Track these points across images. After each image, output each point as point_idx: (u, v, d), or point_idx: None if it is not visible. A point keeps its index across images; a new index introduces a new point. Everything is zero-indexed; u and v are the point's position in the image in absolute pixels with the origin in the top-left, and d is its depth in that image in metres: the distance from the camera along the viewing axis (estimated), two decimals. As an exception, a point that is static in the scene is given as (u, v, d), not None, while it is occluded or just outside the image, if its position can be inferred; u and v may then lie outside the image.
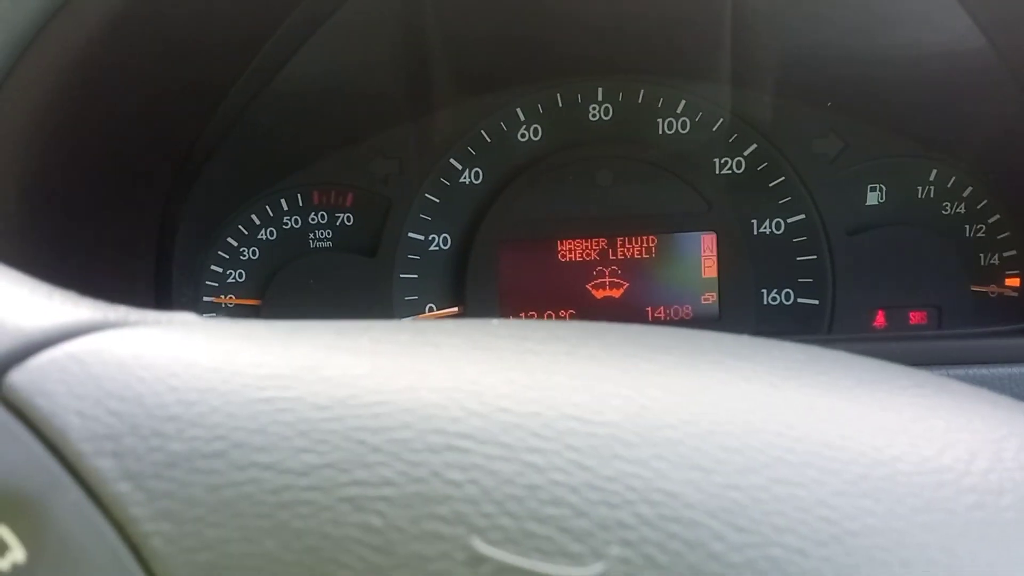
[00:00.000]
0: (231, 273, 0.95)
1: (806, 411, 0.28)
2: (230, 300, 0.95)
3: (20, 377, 0.26)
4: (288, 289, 0.95)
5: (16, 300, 0.29)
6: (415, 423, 0.26)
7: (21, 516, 0.24)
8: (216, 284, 0.95)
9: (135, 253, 0.84)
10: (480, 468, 0.25)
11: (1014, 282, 0.96)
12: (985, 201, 0.96)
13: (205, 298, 0.94)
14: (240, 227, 0.95)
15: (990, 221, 0.96)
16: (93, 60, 0.61)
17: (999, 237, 0.96)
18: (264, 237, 0.95)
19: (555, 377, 0.28)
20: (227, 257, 0.95)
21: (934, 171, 0.96)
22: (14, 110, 0.59)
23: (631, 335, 0.35)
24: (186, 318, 0.32)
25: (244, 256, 0.95)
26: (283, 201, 0.95)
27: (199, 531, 0.24)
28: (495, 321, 0.35)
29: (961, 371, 0.77)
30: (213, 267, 0.95)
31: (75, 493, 0.24)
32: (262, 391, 0.26)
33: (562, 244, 0.96)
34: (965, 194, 0.96)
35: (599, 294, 0.96)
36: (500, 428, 0.26)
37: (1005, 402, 0.32)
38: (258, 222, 0.95)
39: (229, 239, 0.95)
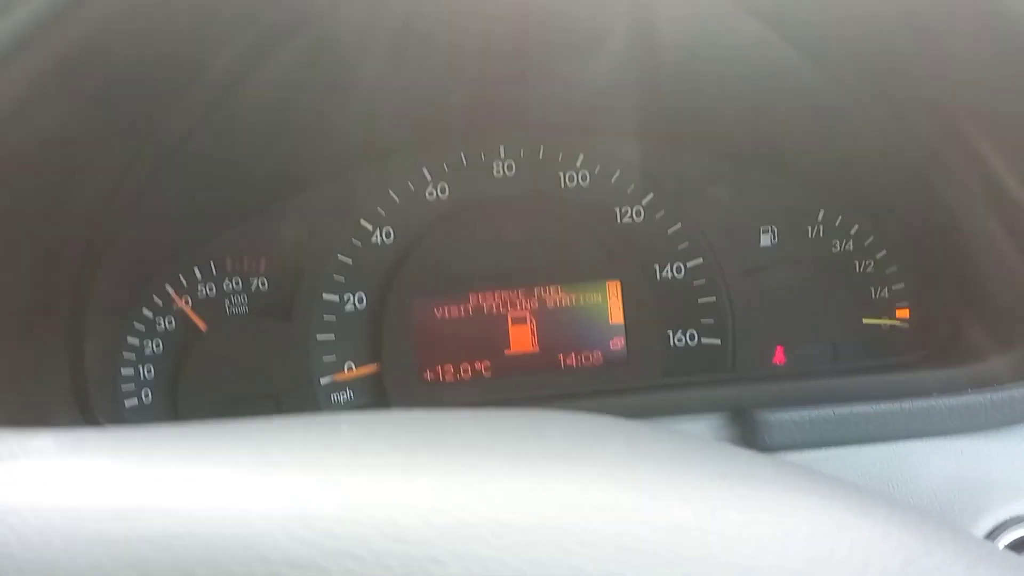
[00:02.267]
0: (147, 343, 0.96)
1: (610, 512, 0.31)
2: (187, 310, 0.96)
3: None
4: (207, 357, 0.96)
5: None
6: (243, 555, 0.28)
7: None
8: (134, 356, 0.96)
9: (46, 334, 0.85)
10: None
11: (904, 313, 1.02)
12: (872, 238, 1.01)
13: (123, 370, 0.95)
14: (155, 297, 0.96)
15: (878, 256, 1.01)
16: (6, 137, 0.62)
17: (887, 271, 1.01)
18: (178, 308, 0.97)
19: (379, 495, 0.30)
20: (143, 329, 0.96)
21: (822, 211, 1.01)
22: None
23: (466, 430, 0.38)
24: (42, 444, 0.33)
25: (160, 326, 0.96)
26: (197, 270, 0.97)
27: None
28: (344, 424, 0.37)
29: (859, 408, 0.82)
30: (130, 338, 0.95)
31: None
32: (101, 531, 0.29)
33: (473, 298, 0.99)
34: (852, 232, 1.01)
35: (512, 345, 0.99)
36: (322, 554, 0.28)
37: (809, 485, 0.35)
38: (172, 292, 0.96)
39: (145, 310, 0.96)
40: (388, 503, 0.29)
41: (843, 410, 0.81)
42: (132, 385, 0.95)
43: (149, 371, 0.96)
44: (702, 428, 0.87)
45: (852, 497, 0.33)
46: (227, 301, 0.98)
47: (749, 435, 0.82)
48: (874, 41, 0.78)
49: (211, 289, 0.97)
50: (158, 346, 0.96)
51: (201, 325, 0.96)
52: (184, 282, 0.97)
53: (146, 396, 0.96)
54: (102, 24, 0.50)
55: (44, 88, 0.60)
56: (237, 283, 0.98)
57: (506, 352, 0.99)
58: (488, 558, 0.28)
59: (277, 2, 0.67)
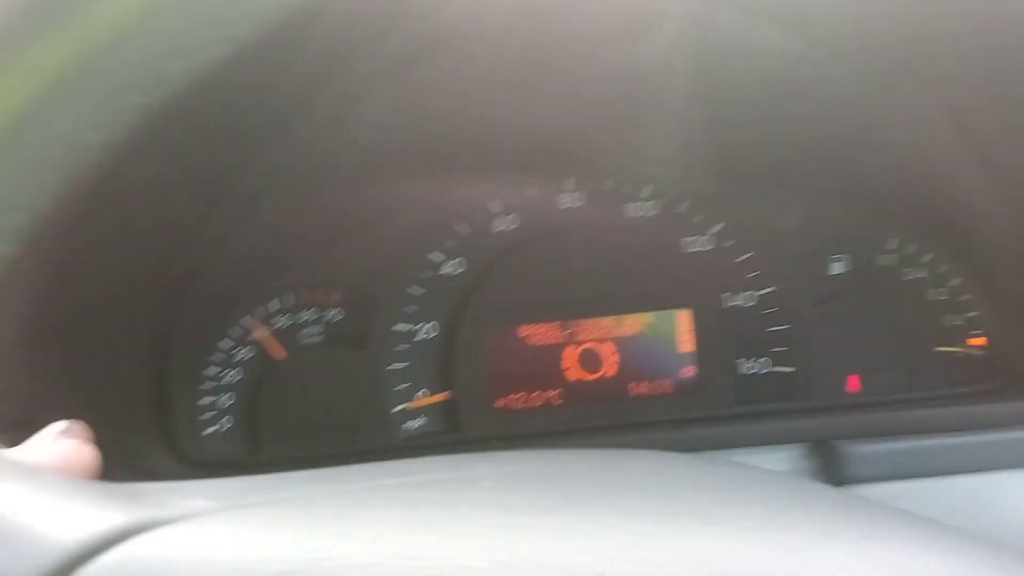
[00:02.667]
0: (227, 374, 0.98)
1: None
2: (265, 334, 0.98)
3: None
4: (283, 386, 0.98)
5: (51, 509, 0.32)
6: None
7: None
8: (213, 385, 0.98)
9: (133, 370, 0.87)
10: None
11: (979, 341, 1.01)
12: (946, 266, 1.01)
13: (202, 400, 0.98)
14: (232, 331, 0.98)
15: (951, 284, 1.01)
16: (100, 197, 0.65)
17: (961, 299, 1.00)
18: (259, 335, 0.99)
19: (539, 556, 0.31)
20: (222, 359, 0.98)
21: (894, 240, 1.01)
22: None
23: (604, 481, 0.38)
24: (204, 504, 0.35)
25: (239, 356, 0.99)
26: (277, 301, 0.99)
27: None
28: (485, 479, 0.38)
29: (942, 440, 0.81)
30: (209, 370, 0.98)
31: None
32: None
33: (543, 327, 1.00)
34: (925, 260, 1.01)
35: (583, 375, 1.00)
36: None
37: (949, 541, 0.35)
38: (252, 321, 0.99)
39: (223, 342, 0.98)
40: (549, 564, 0.30)
41: (925, 442, 0.81)
42: (211, 413, 0.98)
43: (229, 399, 0.98)
44: (779, 460, 0.87)
45: (992, 554, 0.33)
46: (302, 332, 1.00)
47: (830, 467, 0.82)
48: (941, 63, 0.78)
49: (287, 320, 1.00)
50: (237, 374, 0.98)
51: (281, 352, 0.98)
52: (261, 314, 0.99)
53: (225, 423, 0.98)
54: (213, 90, 0.52)
55: (142, 151, 0.63)
56: (312, 315, 1.00)
57: (576, 380, 1.00)
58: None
59: (378, 44, 0.69)
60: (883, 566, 0.32)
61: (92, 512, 0.32)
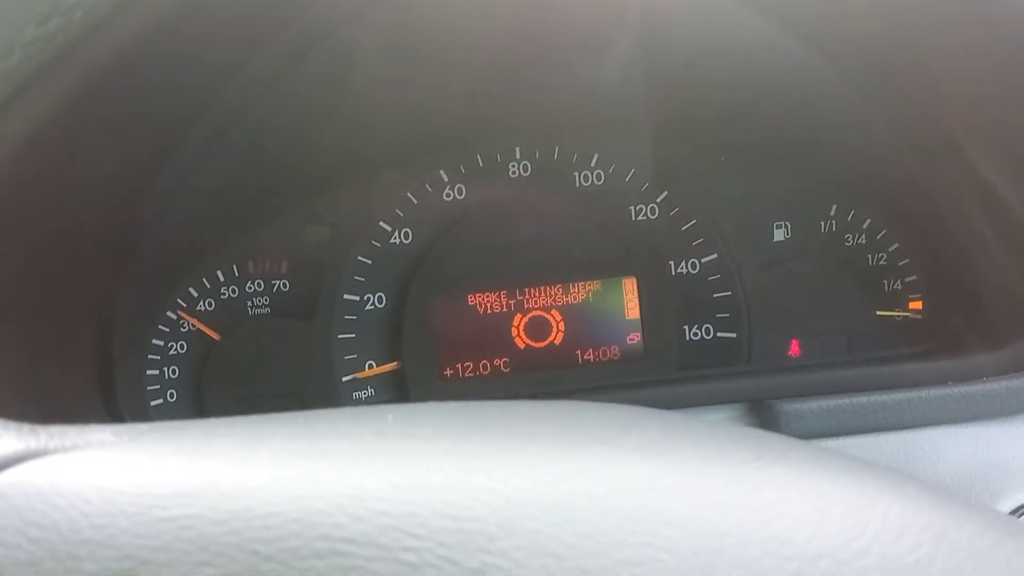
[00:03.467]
0: (172, 345, 0.98)
1: (653, 492, 0.32)
2: (196, 322, 0.97)
3: None
4: (230, 357, 0.98)
5: None
6: (303, 531, 0.30)
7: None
8: (158, 357, 0.97)
9: (75, 335, 0.87)
10: (360, 569, 0.29)
11: (917, 305, 1.03)
12: (884, 231, 1.03)
13: (149, 371, 0.97)
14: (179, 300, 0.98)
15: (890, 249, 1.03)
16: (35, 153, 0.64)
17: (900, 264, 1.03)
18: (203, 308, 0.98)
19: (432, 475, 0.32)
20: (167, 331, 0.98)
21: (834, 206, 1.02)
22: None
23: (507, 418, 0.39)
24: (102, 436, 0.35)
25: (184, 328, 0.98)
26: (219, 273, 0.98)
27: None
28: (389, 414, 0.39)
29: (876, 397, 0.83)
30: (155, 341, 0.97)
31: None
32: (166, 510, 0.30)
33: (491, 296, 1.00)
34: (865, 225, 1.03)
35: (531, 342, 1.01)
36: (378, 530, 0.30)
37: (841, 465, 0.37)
38: (196, 295, 0.98)
39: (168, 313, 0.97)
40: (440, 484, 0.31)
41: (860, 399, 0.82)
42: (158, 385, 0.97)
43: (174, 371, 0.98)
44: (720, 419, 0.88)
45: (884, 476, 0.35)
46: (250, 302, 1.00)
47: (767, 425, 0.84)
48: (881, 34, 0.79)
49: (234, 291, 0.99)
50: (182, 347, 0.98)
51: (214, 335, 0.98)
52: (207, 284, 0.98)
53: (171, 396, 0.98)
54: (136, 34, 0.51)
55: (75, 98, 0.62)
56: (259, 285, 1.00)
57: (524, 348, 1.01)
58: (537, 532, 0.30)
59: (304, 12, 0.69)
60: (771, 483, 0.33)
61: None
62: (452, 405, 0.40)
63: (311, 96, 0.86)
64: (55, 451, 0.33)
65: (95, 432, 0.35)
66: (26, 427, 0.34)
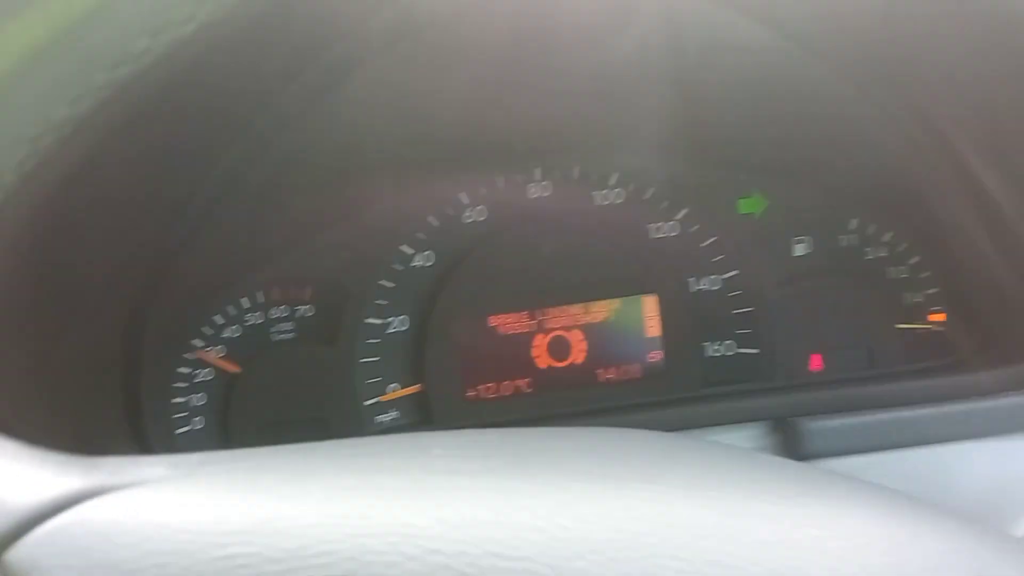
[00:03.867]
0: (198, 373, 0.99)
1: (698, 530, 0.33)
2: (215, 360, 0.98)
3: (17, 554, 0.30)
4: (255, 384, 0.98)
5: (5, 474, 0.33)
6: (357, 570, 0.30)
7: None
8: (185, 385, 0.98)
9: (103, 364, 0.88)
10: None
11: (939, 318, 1.03)
12: (905, 244, 1.03)
13: (175, 399, 0.98)
14: (205, 329, 0.99)
15: (911, 262, 1.03)
16: (77, 185, 0.65)
17: (921, 277, 1.03)
18: (229, 335, 0.99)
19: (480, 513, 0.33)
20: (194, 358, 0.99)
21: (854, 220, 1.03)
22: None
23: (552, 450, 0.40)
24: (159, 471, 0.36)
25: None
26: (245, 300, 1.00)
27: None
28: (436, 447, 0.39)
29: (898, 414, 0.83)
30: (181, 369, 0.98)
31: None
32: (224, 548, 0.31)
33: (513, 316, 1.01)
34: (885, 239, 1.03)
35: (553, 362, 1.01)
36: (430, 569, 0.30)
37: (880, 499, 0.37)
38: (222, 322, 0.99)
39: (195, 341, 0.99)
40: (490, 521, 0.31)
41: (883, 416, 0.83)
42: (185, 412, 0.98)
43: (201, 399, 0.99)
44: (743, 438, 0.88)
45: (923, 511, 0.35)
46: (274, 328, 1.01)
47: (791, 443, 0.84)
48: (896, 46, 0.80)
49: (259, 318, 1.00)
50: (209, 374, 0.99)
51: (235, 368, 0.99)
52: (233, 312, 0.99)
53: (198, 423, 0.99)
54: (183, 72, 0.53)
55: (116, 135, 0.63)
56: (284, 311, 1.01)
57: (545, 368, 1.01)
58: (585, 571, 0.30)
59: (329, 46, 0.70)
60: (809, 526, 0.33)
61: (46, 477, 0.33)
62: (494, 435, 0.41)
63: (331, 125, 0.88)
64: (114, 488, 0.33)
65: (151, 466, 0.36)
66: (85, 462, 0.35)
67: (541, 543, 0.31)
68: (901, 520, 0.35)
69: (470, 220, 1.03)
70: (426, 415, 1.01)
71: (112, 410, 0.92)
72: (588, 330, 1.01)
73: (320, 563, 0.30)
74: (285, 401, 0.99)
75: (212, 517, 0.32)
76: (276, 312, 1.01)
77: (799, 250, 1.04)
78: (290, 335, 1.01)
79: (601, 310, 1.01)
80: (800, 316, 1.02)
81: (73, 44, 0.34)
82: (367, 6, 0.72)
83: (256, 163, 0.86)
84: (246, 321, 1.00)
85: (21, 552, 0.30)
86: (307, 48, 0.71)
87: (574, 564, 0.30)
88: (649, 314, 1.01)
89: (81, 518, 0.32)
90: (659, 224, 1.03)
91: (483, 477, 0.35)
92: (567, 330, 1.01)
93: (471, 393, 1.01)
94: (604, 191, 1.04)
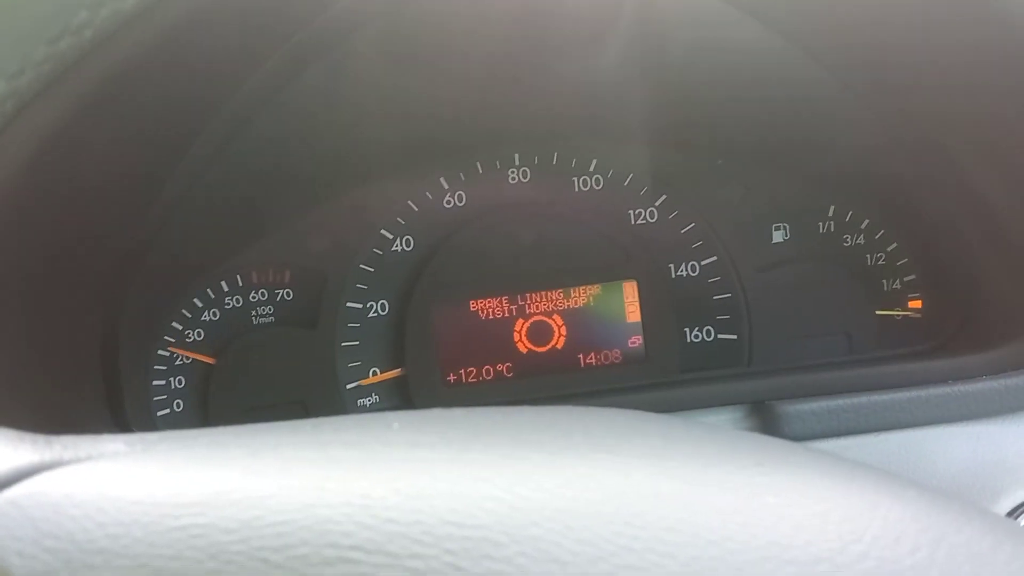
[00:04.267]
0: (178, 356, 0.98)
1: (653, 499, 0.33)
2: (189, 352, 0.98)
3: None
4: (235, 366, 0.98)
5: None
6: (312, 539, 0.30)
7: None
8: (165, 367, 0.98)
9: (82, 346, 0.87)
10: (368, 576, 0.30)
11: (916, 304, 1.03)
12: (882, 231, 1.03)
13: (155, 381, 0.98)
14: (184, 312, 0.98)
15: (888, 249, 1.03)
16: (42, 166, 0.65)
17: (899, 263, 1.03)
18: (208, 318, 0.99)
19: (438, 484, 0.33)
20: (173, 340, 0.98)
21: (832, 207, 1.03)
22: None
23: (510, 425, 0.40)
24: (115, 447, 0.36)
25: (190, 339, 0.99)
26: (224, 283, 0.99)
27: None
28: (395, 422, 0.39)
29: (875, 397, 0.84)
30: (160, 352, 0.98)
31: None
32: (177, 519, 0.31)
33: (493, 301, 1.01)
34: (863, 226, 1.03)
35: (533, 347, 1.01)
36: (386, 538, 0.30)
37: (840, 470, 0.37)
38: (201, 305, 0.99)
39: (174, 324, 0.98)
40: (446, 492, 0.31)
41: (860, 399, 0.83)
42: (164, 395, 0.98)
43: (180, 381, 0.99)
44: (721, 421, 0.89)
45: (882, 480, 0.35)
46: (253, 312, 1.00)
47: (769, 426, 0.84)
48: (870, 33, 0.80)
49: (238, 301, 1.00)
50: (187, 357, 0.99)
51: (209, 360, 0.98)
52: (212, 295, 0.99)
53: (178, 406, 0.99)
54: (141, 50, 0.52)
55: (80, 113, 0.62)
56: (263, 294, 1.00)
57: (526, 353, 1.02)
58: (540, 539, 0.30)
59: (302, 25, 0.70)
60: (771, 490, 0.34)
61: (4, 447, 0.33)
62: (456, 412, 0.41)
63: (311, 106, 0.87)
64: (69, 462, 0.33)
65: (107, 443, 0.36)
66: (40, 438, 0.35)
67: (498, 512, 0.31)
68: (862, 488, 0.35)
69: (450, 206, 1.03)
70: (407, 399, 1.01)
71: (92, 393, 0.91)
72: (568, 315, 1.02)
73: (275, 532, 0.30)
74: (265, 384, 0.99)
75: (166, 490, 0.32)
76: (255, 295, 1.01)
77: (778, 237, 1.04)
78: (270, 319, 1.01)
79: (581, 295, 1.02)
80: (779, 302, 1.02)
81: (8, 15, 0.33)
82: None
83: (232, 145, 0.85)
84: (225, 304, 1.00)
85: None
86: (276, 28, 0.70)
87: (530, 531, 0.31)
88: (629, 300, 1.01)
89: (32, 490, 0.31)
90: (639, 210, 1.04)
91: (441, 449, 0.35)
92: (548, 315, 1.02)
93: (452, 377, 1.01)
94: (583, 177, 1.04)
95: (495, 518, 0.31)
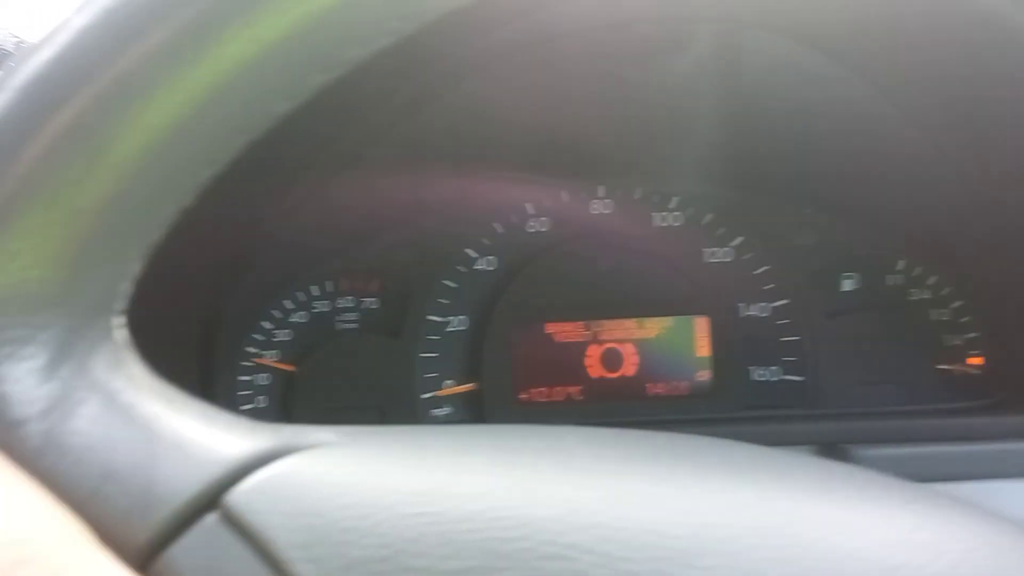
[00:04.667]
0: (265, 354, 1.03)
1: (827, 527, 0.36)
2: (270, 362, 1.02)
3: (236, 497, 0.34)
4: (319, 369, 1.03)
5: (220, 429, 0.37)
6: (532, 535, 0.34)
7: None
8: (251, 364, 1.03)
9: (180, 343, 0.92)
10: (583, 573, 0.34)
11: (977, 360, 1.07)
12: (949, 288, 1.07)
13: (240, 377, 1.02)
14: (274, 312, 1.03)
15: (952, 306, 1.07)
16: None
17: (961, 320, 1.07)
18: (296, 320, 1.04)
19: (633, 496, 0.37)
20: (262, 339, 1.03)
21: (902, 261, 1.07)
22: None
23: (682, 450, 0.44)
24: (328, 437, 0.40)
25: (277, 338, 1.03)
26: (315, 288, 1.04)
27: None
28: (569, 433, 0.43)
29: (927, 449, 0.87)
30: (248, 348, 1.03)
31: None
32: (412, 506, 0.35)
33: (568, 326, 1.05)
34: (930, 282, 1.07)
35: (604, 373, 1.05)
36: (596, 540, 0.34)
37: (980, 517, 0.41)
38: (291, 307, 1.03)
39: (264, 323, 1.03)
40: (644, 503, 0.35)
41: (927, 449, 0.86)
42: (250, 391, 1.02)
43: (266, 378, 1.03)
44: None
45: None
46: (339, 317, 1.05)
47: (838, 468, 0.88)
48: (958, 87, 0.83)
49: (326, 306, 1.04)
50: (275, 355, 1.03)
51: (289, 368, 1.03)
52: (303, 297, 1.04)
53: (260, 402, 1.03)
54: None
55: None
56: (349, 301, 1.05)
57: (596, 378, 1.05)
58: (737, 554, 0.34)
59: (446, 55, 0.75)
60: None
61: (243, 434, 0.36)
62: (617, 433, 0.45)
63: (421, 129, 0.92)
64: (301, 448, 0.37)
65: (320, 433, 0.39)
66: (268, 426, 0.39)
67: (693, 525, 0.35)
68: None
69: (533, 230, 1.07)
70: (478, 413, 1.05)
71: (188, 387, 0.96)
72: (640, 345, 1.05)
73: (501, 525, 0.34)
74: (345, 388, 1.03)
75: (395, 478, 0.36)
76: (343, 302, 1.05)
77: (847, 285, 1.08)
78: (354, 325, 1.05)
79: (654, 327, 1.06)
80: (844, 349, 1.06)
81: (297, 48, 0.37)
82: (483, 25, 0.76)
83: (343, 158, 0.90)
84: (313, 308, 1.04)
85: (239, 495, 0.34)
86: (419, 59, 0.75)
87: (726, 547, 0.34)
88: (700, 335, 1.05)
89: (281, 472, 0.35)
90: (714, 249, 1.08)
91: (625, 464, 0.39)
92: (620, 343, 1.05)
93: (523, 395, 1.05)
94: (663, 213, 1.08)
95: (691, 532, 0.35)
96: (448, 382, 1.06)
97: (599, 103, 0.99)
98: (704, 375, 1.05)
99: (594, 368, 1.05)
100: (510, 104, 0.96)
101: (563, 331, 1.05)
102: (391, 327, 1.05)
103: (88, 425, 0.33)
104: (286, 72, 0.38)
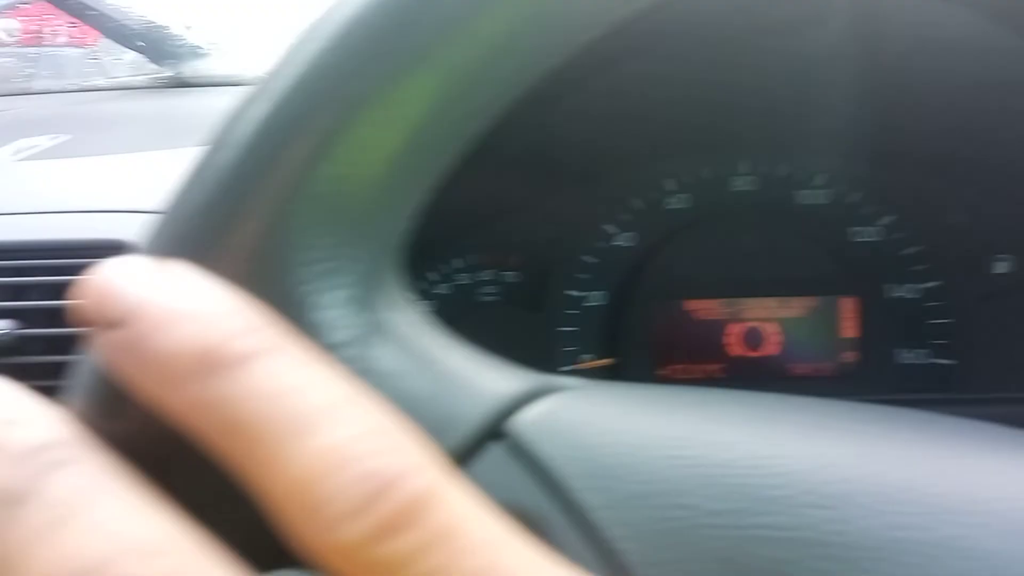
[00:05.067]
0: (410, 324, 1.06)
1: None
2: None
3: (519, 427, 0.36)
4: (461, 338, 1.05)
5: (492, 369, 0.38)
6: (792, 484, 0.35)
7: (527, 529, 0.34)
8: (396, 333, 1.06)
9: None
10: (845, 521, 0.34)
11: None
12: (1112, 273, 1.02)
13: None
14: (420, 284, 1.06)
15: (1116, 291, 1.02)
16: None
17: (1125, 306, 1.02)
18: (440, 292, 1.06)
19: (885, 456, 0.37)
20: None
21: (1061, 243, 1.03)
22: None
23: (924, 423, 0.43)
24: (569, 382, 0.41)
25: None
26: (459, 260, 1.06)
27: (661, 546, 0.33)
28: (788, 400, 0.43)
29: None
30: (394, 318, 1.05)
31: (569, 518, 0.34)
32: (669, 449, 0.36)
33: (707, 303, 1.05)
34: (1092, 265, 1.03)
35: (744, 350, 1.05)
36: (857, 492, 0.35)
37: None
38: (436, 279, 1.06)
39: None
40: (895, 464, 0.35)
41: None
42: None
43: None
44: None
45: None
46: (480, 290, 1.07)
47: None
48: None
49: (468, 279, 1.07)
50: (419, 326, 1.06)
51: None
52: (445, 270, 1.06)
53: (403, 370, 1.06)
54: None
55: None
56: (490, 275, 1.07)
57: (737, 356, 1.05)
58: (959, 536, 0.34)
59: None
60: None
61: (514, 373, 0.38)
62: (841, 405, 0.45)
63: (575, 111, 0.93)
64: (556, 390, 0.38)
65: (562, 379, 0.40)
66: (520, 370, 0.40)
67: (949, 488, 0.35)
68: None
69: (673, 206, 1.07)
70: (616, 388, 1.05)
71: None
72: (783, 324, 1.04)
73: (758, 473, 0.35)
74: (487, 354, 1.04)
75: (648, 423, 0.37)
76: (484, 275, 1.07)
77: (999, 268, 1.04)
78: (495, 298, 1.07)
79: (798, 306, 1.04)
80: (997, 333, 1.02)
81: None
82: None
83: (510, 137, 0.92)
84: (456, 281, 1.07)
85: (521, 427, 0.35)
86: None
87: (948, 531, 0.34)
88: (846, 315, 1.03)
89: (559, 405, 0.36)
90: (861, 228, 1.05)
91: (864, 434, 0.39)
92: (762, 322, 1.04)
93: (661, 372, 1.05)
94: (808, 191, 1.06)
95: (950, 489, 0.35)
96: (586, 356, 1.07)
97: (740, 77, 0.98)
98: (849, 356, 1.03)
99: (735, 346, 1.05)
100: (650, 80, 0.96)
101: (703, 308, 1.05)
102: (531, 301, 1.06)
103: (388, 356, 0.34)
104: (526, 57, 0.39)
